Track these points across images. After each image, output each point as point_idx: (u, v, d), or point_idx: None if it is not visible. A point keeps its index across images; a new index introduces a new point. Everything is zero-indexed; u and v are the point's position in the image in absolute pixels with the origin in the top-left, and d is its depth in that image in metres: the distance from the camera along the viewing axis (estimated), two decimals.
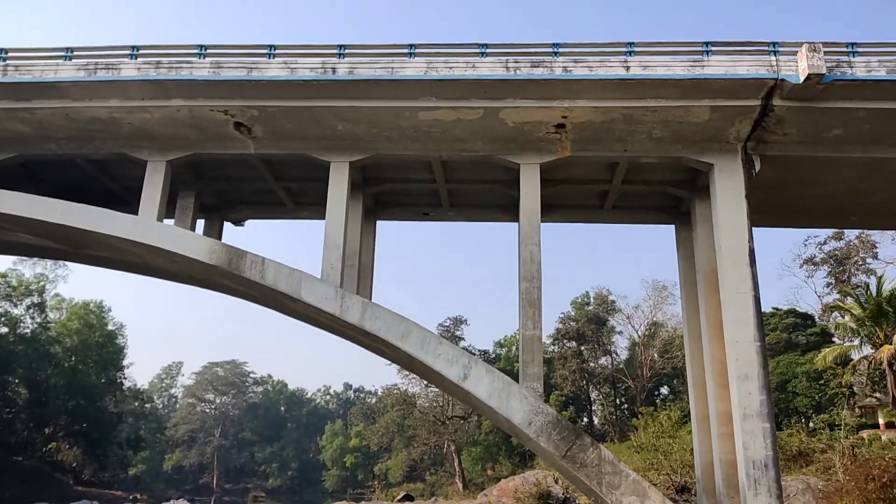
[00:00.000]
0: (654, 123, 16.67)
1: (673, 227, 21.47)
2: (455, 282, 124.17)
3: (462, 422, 60.91)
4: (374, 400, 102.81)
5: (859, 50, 15.80)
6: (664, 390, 64.48)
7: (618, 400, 65.90)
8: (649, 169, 19.03)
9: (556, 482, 38.66)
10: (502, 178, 19.29)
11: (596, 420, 68.47)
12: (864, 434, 37.97)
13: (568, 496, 37.86)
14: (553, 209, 20.71)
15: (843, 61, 15.56)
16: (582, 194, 21.22)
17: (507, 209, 20.74)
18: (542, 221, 17.88)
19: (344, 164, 17.93)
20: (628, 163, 18.32)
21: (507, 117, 16.66)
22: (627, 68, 15.73)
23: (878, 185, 19.24)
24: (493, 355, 68.12)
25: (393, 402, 69.59)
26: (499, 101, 16.24)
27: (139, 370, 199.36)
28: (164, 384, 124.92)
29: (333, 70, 16.35)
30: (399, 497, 61.52)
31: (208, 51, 16.98)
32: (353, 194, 18.87)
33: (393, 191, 21.16)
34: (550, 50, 16.23)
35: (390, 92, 16.30)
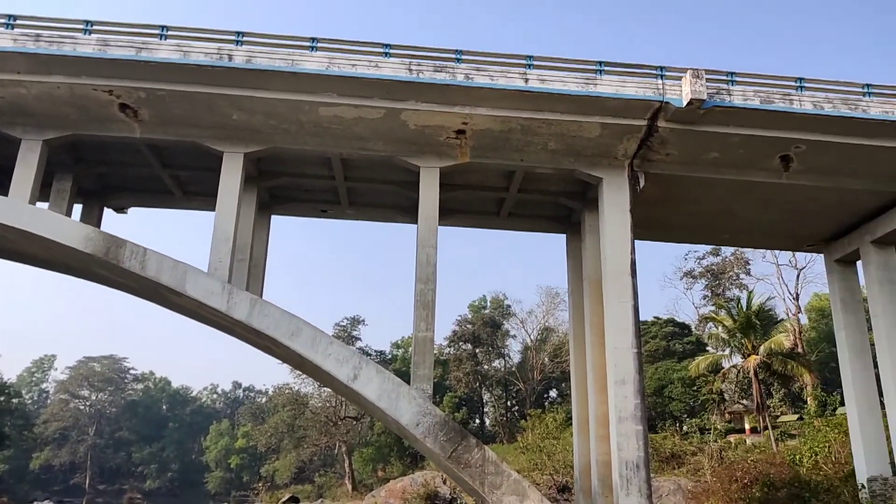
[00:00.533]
0: (550, 136, 17.27)
1: (564, 236, 22.30)
2: (360, 282, 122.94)
3: (355, 422, 60.38)
4: (264, 399, 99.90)
5: (737, 79, 17.07)
6: (553, 393, 66.76)
7: (509, 402, 67.58)
8: (544, 179, 19.67)
9: (444, 483, 39.12)
10: (402, 180, 19.32)
11: (487, 421, 69.90)
12: (732, 438, 40.97)
13: (455, 496, 38.44)
14: (451, 213, 20.98)
15: (723, 88, 16.75)
16: (480, 200, 21.62)
17: (407, 211, 20.78)
18: (441, 225, 18.08)
19: (238, 155, 17.35)
20: (524, 172, 18.90)
21: (409, 119, 16.73)
22: (526, 80, 16.20)
23: (748, 206, 20.86)
24: (390, 356, 68.01)
25: (284, 401, 67.98)
26: (401, 102, 16.27)
27: (6, 363, 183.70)
28: (34, 378, 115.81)
29: (230, 57, 15.79)
30: (284, 499, 60.11)
31: (95, 27, 15.96)
32: (248, 187, 18.30)
33: (290, 185, 20.69)
34: (454, 56, 16.46)
35: (290, 84, 15.95)
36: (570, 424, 21.92)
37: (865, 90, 17.51)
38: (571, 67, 16.65)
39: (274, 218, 21.42)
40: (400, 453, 58.98)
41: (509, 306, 68.46)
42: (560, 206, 21.43)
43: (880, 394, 21.93)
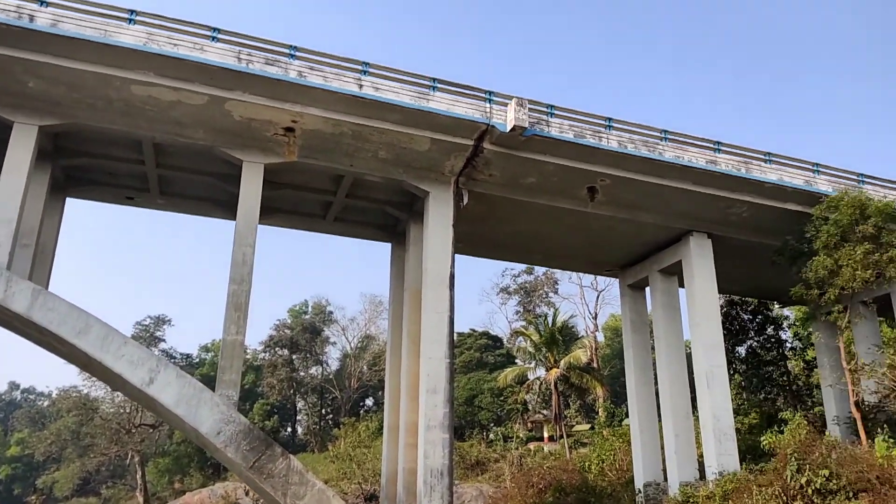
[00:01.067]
0: (381, 144, 17.33)
1: (390, 245, 22.44)
2: (176, 280, 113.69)
3: (151, 430, 55.70)
4: (46, 403, 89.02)
5: (556, 111, 18.33)
6: (369, 402, 66.73)
7: (324, 410, 66.46)
8: (373, 187, 19.68)
9: (247, 494, 37.47)
10: (222, 173, 18.31)
11: (300, 430, 68.19)
12: (532, 446, 43.67)
13: None
14: (274, 212, 20.26)
15: (543, 119, 17.93)
16: (305, 202, 21.10)
17: (225, 206, 19.65)
18: (262, 224, 17.39)
19: (31, 128, 15.38)
20: (353, 178, 18.75)
21: (234, 110, 15.90)
22: (361, 86, 16.13)
23: (558, 230, 22.47)
24: (197, 360, 63.91)
25: (70, 406, 60.92)
26: (227, 91, 15.42)
27: None
28: None
29: (31, 17, 13.99)
30: None
31: None
32: (40, 163, 16.25)
33: (91, 166, 18.69)
34: (288, 51, 15.95)
35: (101, 56, 14.47)
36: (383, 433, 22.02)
37: (663, 135, 19.68)
38: (407, 80, 16.84)
39: (83, 204, 19.21)
40: (201, 463, 55.46)
41: (331, 312, 67.51)
42: (387, 215, 21.57)
43: (658, 407, 24.56)
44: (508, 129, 16.95)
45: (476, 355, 54.38)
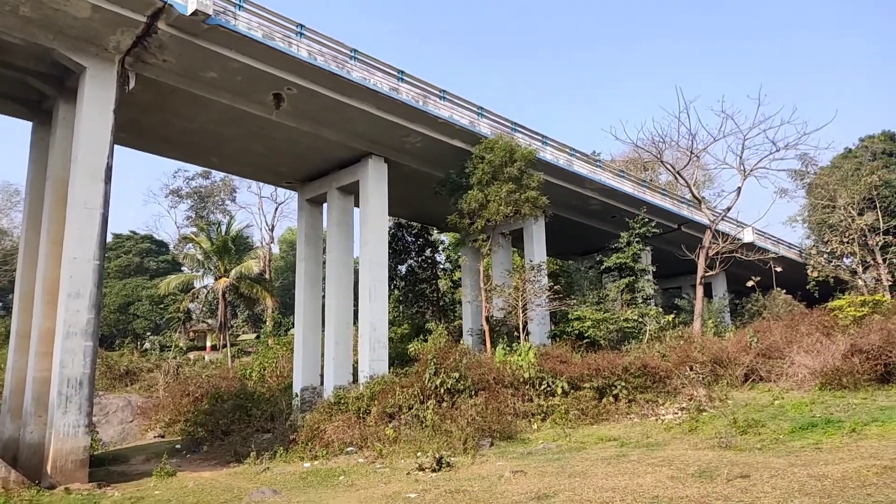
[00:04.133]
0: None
1: (31, 124, 18.86)
2: None
3: None
4: None
5: (245, 5, 17.14)
6: None
7: None
8: (10, 50, 16.05)
9: None
10: None
11: None
12: (192, 355, 42.20)
13: None
14: None
15: (231, 11, 16.62)
16: None
17: None
18: None
19: None
20: None
21: None
22: None
23: (239, 134, 21.44)
24: None
25: None
26: None
27: None
28: None
29: None
30: None
31: None
32: None
33: None
34: None
35: None
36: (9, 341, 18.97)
37: (353, 54, 19.88)
38: None
39: None
40: None
41: None
42: (30, 88, 17.93)
43: (323, 319, 25.75)
44: (189, 11, 15.30)
45: (136, 259, 49.89)
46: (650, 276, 31.57)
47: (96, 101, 15.77)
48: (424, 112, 21.79)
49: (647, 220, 30.60)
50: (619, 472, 10.34)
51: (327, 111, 20.57)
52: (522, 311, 24.41)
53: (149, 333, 45.89)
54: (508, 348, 22.48)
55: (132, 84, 16.56)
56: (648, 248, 32.49)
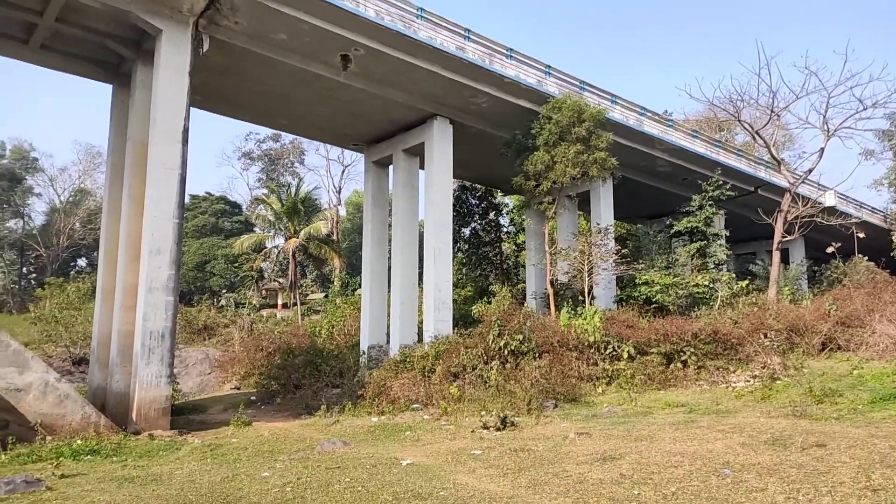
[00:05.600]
0: None
1: (111, 87, 19.61)
2: None
3: None
4: None
5: None
6: (82, 262, 60.25)
7: (25, 269, 58.63)
8: (91, 14, 16.67)
9: None
10: None
11: None
12: (265, 312, 43.82)
13: None
14: None
15: None
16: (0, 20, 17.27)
17: None
18: None
19: None
20: None
21: None
22: None
23: (307, 96, 21.69)
24: None
25: None
26: None
27: None
28: None
29: None
30: None
31: None
32: None
33: None
34: None
35: None
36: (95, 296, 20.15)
37: (419, 13, 19.66)
38: None
39: None
40: None
41: (36, 159, 58.28)
42: (109, 51, 18.61)
43: (389, 279, 26.14)
44: None
45: (211, 220, 51.83)
46: (723, 241, 30.43)
47: (172, 63, 16.21)
48: (490, 71, 21.44)
49: (721, 182, 29.39)
50: (688, 437, 10.16)
51: (394, 72, 20.51)
52: (588, 275, 24.06)
53: (224, 291, 47.79)
54: (573, 312, 22.27)
55: (206, 47, 16.92)
56: (722, 211, 31.27)
